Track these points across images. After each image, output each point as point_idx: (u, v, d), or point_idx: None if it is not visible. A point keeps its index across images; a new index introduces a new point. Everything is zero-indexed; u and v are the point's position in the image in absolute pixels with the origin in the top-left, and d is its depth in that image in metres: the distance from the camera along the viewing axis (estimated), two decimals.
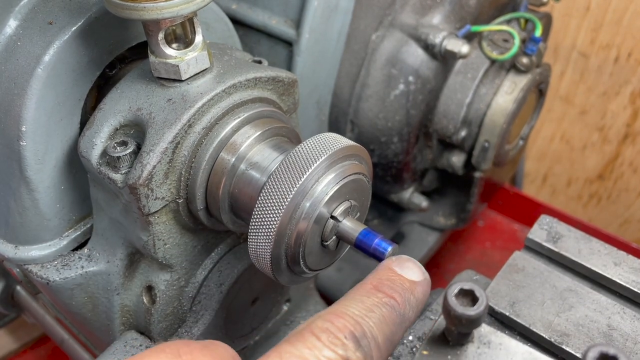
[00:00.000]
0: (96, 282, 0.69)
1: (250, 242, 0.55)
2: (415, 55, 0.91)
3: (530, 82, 0.97)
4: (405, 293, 0.46)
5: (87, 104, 0.67)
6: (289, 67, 0.90)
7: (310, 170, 0.52)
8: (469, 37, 0.94)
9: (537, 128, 1.63)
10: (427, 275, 0.49)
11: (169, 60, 0.58)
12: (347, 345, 0.40)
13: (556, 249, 0.63)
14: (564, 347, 0.54)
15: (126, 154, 0.58)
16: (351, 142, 0.56)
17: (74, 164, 0.66)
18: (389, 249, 0.54)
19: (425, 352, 0.50)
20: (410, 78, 0.91)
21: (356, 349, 0.40)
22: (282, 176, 0.53)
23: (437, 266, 1.38)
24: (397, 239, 1.24)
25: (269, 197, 0.53)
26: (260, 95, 0.64)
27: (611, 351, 0.40)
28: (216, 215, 0.63)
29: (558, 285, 0.60)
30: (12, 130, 0.62)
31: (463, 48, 0.88)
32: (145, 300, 0.69)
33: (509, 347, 0.50)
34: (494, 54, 0.95)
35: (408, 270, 0.48)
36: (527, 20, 1.00)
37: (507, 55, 0.93)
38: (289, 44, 0.89)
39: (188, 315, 0.71)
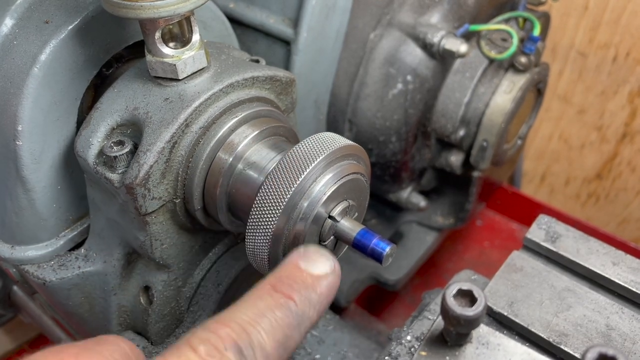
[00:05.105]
0: (93, 283, 0.69)
1: (247, 242, 0.54)
2: (414, 54, 0.91)
3: (529, 82, 0.97)
4: (306, 291, 0.44)
5: (84, 103, 0.67)
6: (287, 66, 0.89)
7: (308, 170, 0.52)
8: (468, 36, 0.94)
9: (535, 127, 1.63)
10: (335, 265, 0.46)
11: (166, 60, 0.58)
12: (226, 357, 0.37)
13: (554, 249, 0.63)
14: (562, 347, 0.54)
15: (123, 154, 0.58)
16: (349, 142, 0.56)
17: (71, 164, 0.66)
18: (387, 248, 0.53)
19: (423, 353, 0.50)
20: (409, 77, 0.91)
21: None
22: (280, 176, 0.53)
23: (435, 266, 1.38)
24: (396, 238, 1.23)
25: (267, 197, 0.52)
26: (258, 94, 0.64)
27: (610, 352, 0.40)
28: (213, 215, 0.62)
29: (556, 285, 0.59)
30: (8, 129, 0.62)
31: (461, 47, 0.88)
32: (142, 301, 0.69)
33: (507, 347, 0.50)
34: (493, 53, 0.95)
35: (314, 263, 0.45)
36: (525, 20, 1.00)
37: (506, 54, 0.93)
38: (286, 43, 0.89)
39: (185, 315, 0.71)
